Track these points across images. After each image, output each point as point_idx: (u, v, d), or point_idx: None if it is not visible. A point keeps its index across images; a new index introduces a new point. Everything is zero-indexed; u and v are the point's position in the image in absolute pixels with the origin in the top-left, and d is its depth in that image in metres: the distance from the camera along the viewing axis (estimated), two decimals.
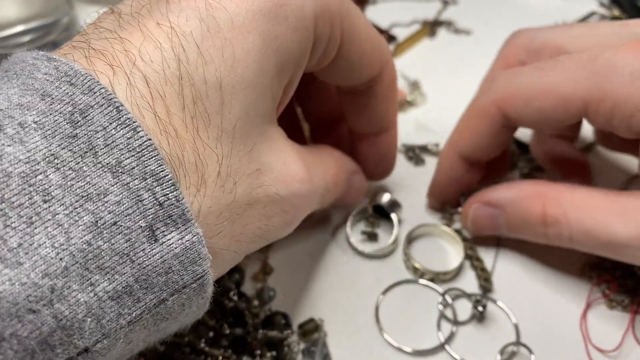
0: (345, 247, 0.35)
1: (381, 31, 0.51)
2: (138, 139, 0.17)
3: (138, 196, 0.17)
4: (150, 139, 0.17)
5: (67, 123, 0.17)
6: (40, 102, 0.17)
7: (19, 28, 0.44)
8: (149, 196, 0.17)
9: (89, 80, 0.17)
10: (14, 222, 0.15)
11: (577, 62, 0.28)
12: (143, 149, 0.17)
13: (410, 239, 0.35)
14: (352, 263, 0.34)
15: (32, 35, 0.44)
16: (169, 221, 0.18)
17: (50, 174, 0.16)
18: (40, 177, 0.16)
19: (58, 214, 0.16)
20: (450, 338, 0.31)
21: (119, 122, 0.17)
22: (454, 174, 0.34)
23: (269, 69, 0.22)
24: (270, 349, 0.30)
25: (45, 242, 0.15)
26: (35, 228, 0.15)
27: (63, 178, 0.16)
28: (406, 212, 0.36)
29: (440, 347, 0.30)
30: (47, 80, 0.17)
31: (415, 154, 0.40)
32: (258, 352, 0.29)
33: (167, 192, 0.18)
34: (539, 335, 0.31)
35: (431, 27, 0.52)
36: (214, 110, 0.20)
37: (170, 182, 0.18)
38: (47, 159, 0.16)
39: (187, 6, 0.20)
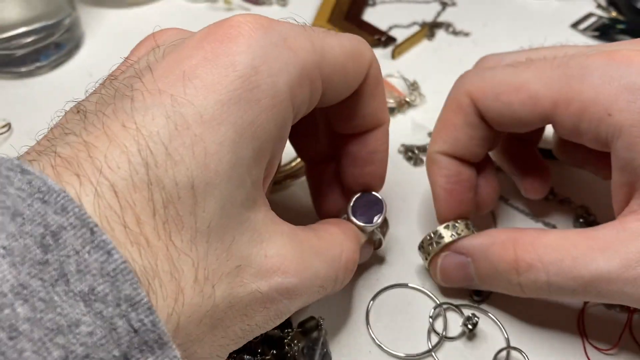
0: None
1: (380, 32, 0.51)
2: (112, 263, 0.16)
3: (112, 324, 0.16)
4: (124, 262, 0.16)
5: (38, 247, 0.16)
6: (11, 222, 0.16)
7: (21, 29, 0.44)
8: (124, 323, 0.16)
9: (62, 198, 0.16)
10: None
11: (550, 63, 0.28)
12: (117, 273, 0.16)
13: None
14: None
15: (35, 36, 0.45)
16: (144, 347, 0.17)
17: (17, 307, 0.15)
18: (7, 311, 0.15)
19: (25, 351, 0.15)
20: (440, 345, 0.31)
21: (93, 246, 0.16)
22: (449, 174, 0.31)
23: (245, 156, 0.20)
24: (271, 347, 0.30)
25: None
26: None
27: (32, 310, 0.15)
28: (404, 214, 0.37)
29: (429, 354, 0.31)
30: (20, 197, 0.16)
31: (414, 154, 0.40)
32: (259, 350, 0.29)
33: (143, 317, 0.17)
34: (537, 334, 0.31)
35: (430, 28, 0.52)
36: (187, 211, 0.19)
37: (145, 306, 0.17)
38: (14, 290, 0.15)
39: (153, 103, 0.19)
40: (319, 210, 0.34)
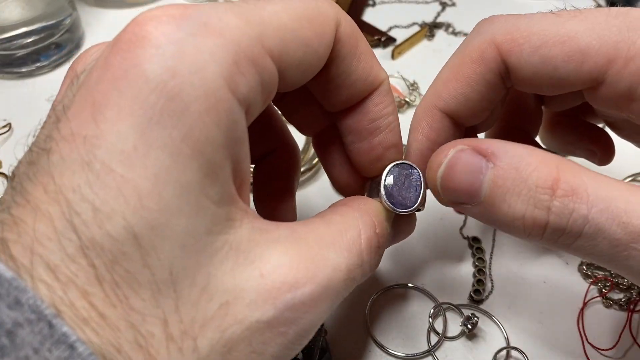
0: None
1: (380, 33, 0.51)
2: (77, 358, 0.15)
3: None
4: (91, 354, 0.15)
5: None
6: None
7: (22, 30, 0.44)
8: None
9: (15, 289, 0.15)
10: None
11: (604, 13, 0.23)
12: None
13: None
14: None
15: (35, 36, 0.45)
16: None
17: None
18: None
19: None
20: (440, 345, 0.31)
21: (53, 341, 0.15)
22: (434, 136, 0.27)
23: (191, 179, 0.17)
24: None
25: None
26: None
27: None
28: None
29: (429, 354, 0.31)
30: None
31: None
32: None
33: None
34: (537, 334, 0.31)
35: (430, 28, 0.52)
36: (138, 266, 0.16)
37: None
38: None
39: (69, 153, 0.17)
40: (338, 188, 0.29)
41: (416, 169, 0.25)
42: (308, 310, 0.19)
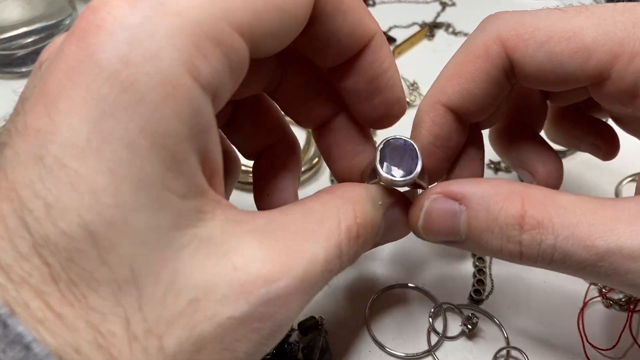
0: None
1: None
2: (33, 358, 0.14)
3: None
4: (48, 354, 0.14)
5: None
6: None
7: (22, 30, 0.44)
8: None
9: None
10: None
11: (610, 9, 0.23)
12: None
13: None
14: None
15: (35, 36, 0.45)
16: None
17: None
18: None
19: None
20: (440, 345, 0.31)
21: (8, 341, 0.14)
22: (437, 131, 0.27)
23: (151, 171, 0.16)
24: None
25: None
26: None
27: None
28: None
29: (429, 354, 0.31)
30: None
31: None
32: None
33: None
34: (537, 334, 0.31)
35: (430, 28, 0.52)
36: (95, 264, 0.16)
37: None
38: None
39: (22, 149, 0.16)
40: (339, 180, 0.28)
41: (410, 141, 0.25)
42: (284, 304, 0.18)
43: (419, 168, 0.24)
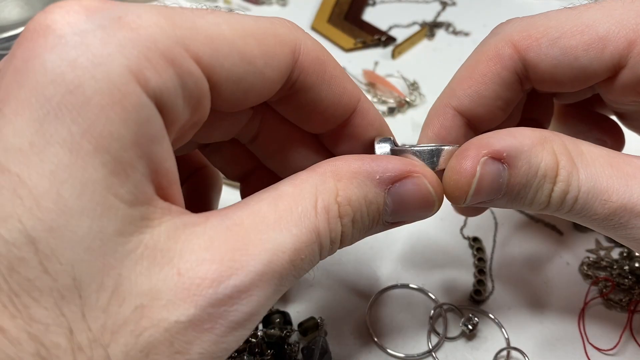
0: None
1: (380, 32, 0.51)
2: None
3: None
4: None
5: None
6: None
7: (22, 29, 0.44)
8: None
9: None
10: None
11: (619, 0, 0.24)
12: None
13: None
14: (352, 264, 0.34)
15: None
16: None
17: None
18: None
19: None
20: (441, 345, 0.31)
21: None
22: (445, 134, 0.27)
23: (95, 177, 0.16)
24: (270, 347, 0.30)
25: None
26: None
27: None
28: None
29: (430, 354, 0.31)
30: None
31: None
32: (258, 350, 0.29)
33: None
34: (538, 334, 0.31)
35: (430, 28, 0.52)
36: (37, 272, 0.15)
37: None
38: None
39: None
40: None
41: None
42: (238, 301, 0.18)
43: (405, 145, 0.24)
